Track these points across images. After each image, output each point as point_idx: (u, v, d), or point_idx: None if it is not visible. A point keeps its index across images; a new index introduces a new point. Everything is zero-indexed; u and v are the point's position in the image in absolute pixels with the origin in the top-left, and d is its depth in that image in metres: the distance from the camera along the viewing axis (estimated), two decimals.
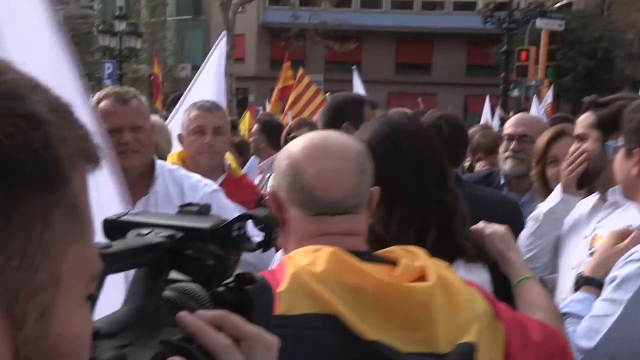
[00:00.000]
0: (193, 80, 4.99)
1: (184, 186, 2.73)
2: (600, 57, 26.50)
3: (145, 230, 0.73)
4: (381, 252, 1.38)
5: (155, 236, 0.72)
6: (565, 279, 2.45)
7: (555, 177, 2.94)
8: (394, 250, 1.39)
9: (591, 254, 2.28)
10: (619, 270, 1.93)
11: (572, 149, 2.61)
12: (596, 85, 23.09)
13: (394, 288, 1.28)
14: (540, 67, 18.43)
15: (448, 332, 1.28)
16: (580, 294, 2.07)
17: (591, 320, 1.92)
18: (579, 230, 2.59)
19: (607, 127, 2.53)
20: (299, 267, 1.27)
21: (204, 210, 0.79)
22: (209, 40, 26.66)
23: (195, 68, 5.37)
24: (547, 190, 2.99)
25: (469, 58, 34.56)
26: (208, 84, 4.91)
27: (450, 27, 33.26)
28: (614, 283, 1.92)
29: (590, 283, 2.08)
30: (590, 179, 2.61)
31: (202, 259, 0.73)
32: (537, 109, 9.75)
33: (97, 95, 2.72)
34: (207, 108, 3.32)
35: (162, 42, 29.80)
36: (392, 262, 1.34)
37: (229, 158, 3.82)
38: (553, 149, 2.97)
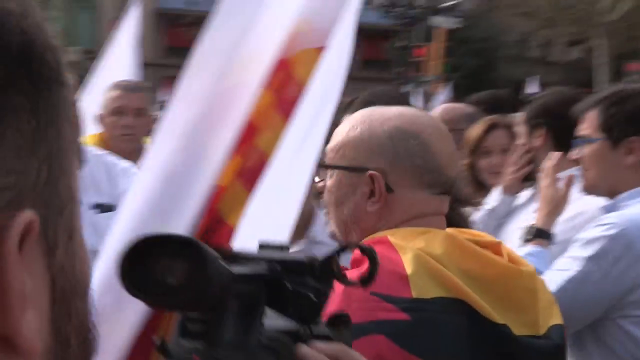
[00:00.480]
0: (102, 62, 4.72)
1: (114, 172, 2.56)
2: (486, 57, 27.62)
3: (239, 262, 0.67)
4: (459, 233, 1.36)
5: (257, 266, 0.66)
6: None
7: (488, 168, 2.98)
8: (458, 233, 1.36)
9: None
10: (587, 233, 1.99)
11: (514, 149, 2.68)
12: (481, 84, 24.06)
13: (508, 272, 1.30)
14: (437, 63, 18.98)
15: (542, 315, 1.32)
16: (531, 247, 2.12)
17: (550, 273, 1.96)
18: (515, 221, 2.63)
19: (532, 123, 2.60)
20: (417, 250, 1.25)
21: (285, 248, 0.75)
22: (100, 23, 25.70)
23: (87, 52, 5.05)
24: (476, 182, 3.02)
25: (364, 53, 35.15)
26: (119, 65, 4.65)
27: None
28: (579, 242, 1.98)
29: (541, 236, 2.13)
30: (528, 175, 2.67)
31: (302, 293, 0.68)
32: (425, 106, 9.97)
33: None
34: (130, 88, 3.13)
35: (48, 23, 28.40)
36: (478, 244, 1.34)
37: (148, 142, 3.63)
38: (486, 140, 3.00)
